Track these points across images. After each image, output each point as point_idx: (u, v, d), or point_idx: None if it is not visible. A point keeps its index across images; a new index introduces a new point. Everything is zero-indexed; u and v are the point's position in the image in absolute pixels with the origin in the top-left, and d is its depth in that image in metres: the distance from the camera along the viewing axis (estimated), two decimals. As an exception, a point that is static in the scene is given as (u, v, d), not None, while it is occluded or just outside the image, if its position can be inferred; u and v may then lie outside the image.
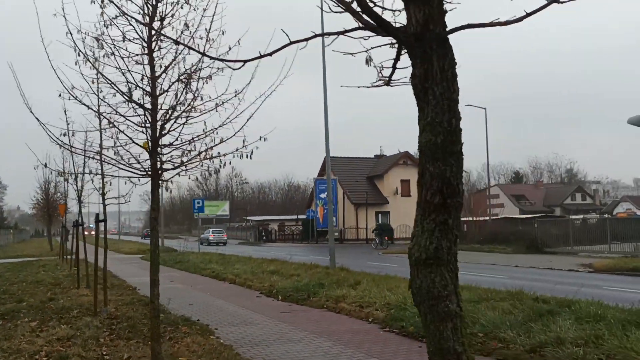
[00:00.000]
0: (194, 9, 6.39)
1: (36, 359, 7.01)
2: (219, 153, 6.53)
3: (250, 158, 6.74)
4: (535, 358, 6.90)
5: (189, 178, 6.83)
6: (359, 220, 51.09)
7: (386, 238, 40.72)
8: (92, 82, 5.68)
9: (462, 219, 49.74)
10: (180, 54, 6.35)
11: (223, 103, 6.36)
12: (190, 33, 6.34)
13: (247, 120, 6.39)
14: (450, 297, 2.29)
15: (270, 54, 3.12)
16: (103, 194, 10.51)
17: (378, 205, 52.16)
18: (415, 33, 2.24)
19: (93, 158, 6.06)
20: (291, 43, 2.78)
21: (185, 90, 6.23)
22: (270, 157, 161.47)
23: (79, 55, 5.85)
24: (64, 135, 5.62)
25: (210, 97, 6.46)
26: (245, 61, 3.39)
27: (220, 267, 20.56)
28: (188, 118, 6.39)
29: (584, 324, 7.96)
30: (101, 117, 5.81)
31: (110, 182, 8.60)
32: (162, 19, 6.23)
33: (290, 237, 58.24)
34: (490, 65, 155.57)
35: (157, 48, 6.29)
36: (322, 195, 50.98)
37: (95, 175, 6.37)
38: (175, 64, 6.36)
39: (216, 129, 6.34)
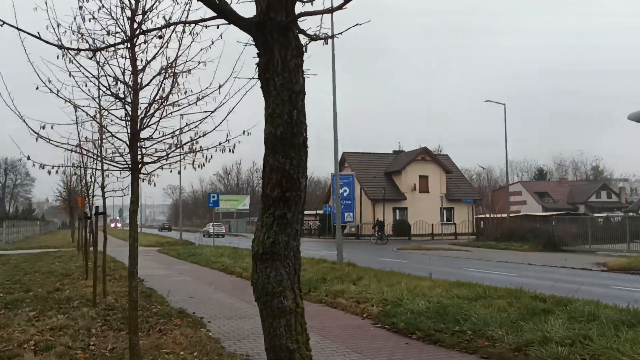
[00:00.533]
0: (177, 2, 6.41)
1: (24, 348, 7.14)
2: (200, 147, 6.55)
3: (232, 152, 6.75)
4: (519, 357, 6.81)
5: (170, 171, 6.85)
6: (377, 216, 50.89)
7: (385, 233, 43.07)
8: (69, 75, 5.73)
9: (479, 216, 49.32)
10: (162, 47, 6.38)
11: (203, 97, 6.37)
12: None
13: (227, 114, 6.38)
14: (285, 293, 2.23)
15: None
16: (103, 187, 10.66)
17: (395, 201, 51.92)
18: (257, 21, 2.19)
19: (73, 151, 6.12)
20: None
21: (163, 85, 6.24)
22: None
23: (60, 49, 5.91)
24: (43, 128, 5.69)
25: (191, 91, 6.49)
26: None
27: (231, 261, 20.68)
28: (168, 112, 6.42)
29: (575, 324, 7.83)
30: (78, 110, 5.86)
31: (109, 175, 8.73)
32: (144, 12, 6.26)
33: (307, 232, 58.28)
34: (516, 60, 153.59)
35: (138, 42, 6.32)
36: (340, 191, 50.89)
37: (77, 167, 6.44)
38: (156, 58, 6.38)
39: (198, 123, 6.35)
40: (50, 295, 11.87)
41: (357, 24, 2.65)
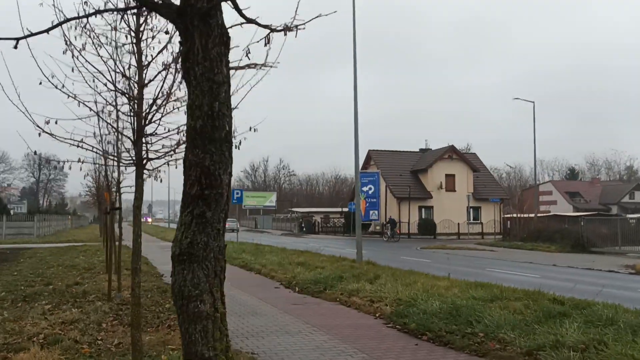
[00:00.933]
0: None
1: (33, 341, 7.21)
2: (206, 143, 6.50)
3: (238, 148, 6.68)
4: (529, 361, 6.62)
5: (176, 167, 6.82)
6: (402, 214, 50.51)
7: (397, 232, 44.00)
8: (72, 70, 5.72)
9: (506, 216, 48.56)
10: (168, 43, 6.35)
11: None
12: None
13: (232, 109, 6.33)
14: (201, 297, 2.09)
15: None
16: (118, 183, 10.73)
17: (421, 199, 51.40)
18: (177, 8, 2.08)
19: (78, 146, 6.13)
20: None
21: (167, 80, 6.21)
22: (319, 149, 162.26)
23: (66, 44, 5.92)
24: (47, 123, 5.71)
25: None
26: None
27: (251, 258, 20.71)
28: (174, 108, 6.39)
29: (591, 328, 7.60)
30: (81, 105, 5.85)
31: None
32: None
33: (332, 229, 58.24)
34: (548, 58, 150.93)
35: (144, 37, 6.31)
36: (365, 189, 50.63)
37: (83, 163, 6.44)
38: (162, 52, 6.36)
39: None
40: (68, 289, 12.02)
41: (320, 15, 2.54)
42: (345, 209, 56.69)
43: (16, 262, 19.67)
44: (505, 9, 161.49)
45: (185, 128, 6.62)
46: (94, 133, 6.01)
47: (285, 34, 2.53)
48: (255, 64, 3.38)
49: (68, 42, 5.84)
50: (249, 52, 3.14)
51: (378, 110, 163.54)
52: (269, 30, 2.41)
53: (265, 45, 2.62)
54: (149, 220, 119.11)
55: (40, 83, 5.64)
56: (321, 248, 26.61)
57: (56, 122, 5.87)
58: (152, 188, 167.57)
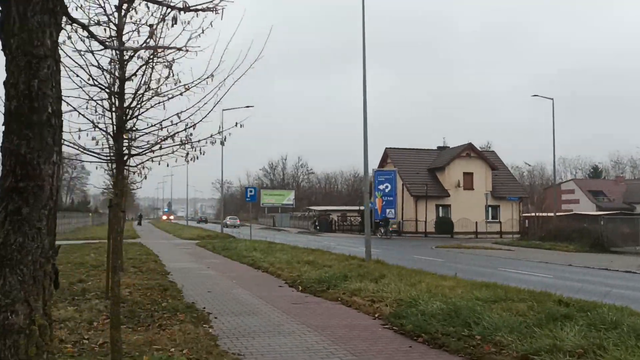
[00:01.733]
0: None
1: (19, 340, 7.13)
2: (188, 139, 6.35)
3: (223, 144, 6.55)
4: (523, 366, 6.34)
5: (159, 164, 6.68)
6: (419, 213, 50.05)
7: (390, 229, 46.73)
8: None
9: (525, 215, 47.81)
10: (149, 38, 6.20)
11: (190, 88, 6.18)
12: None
13: (214, 105, 6.17)
14: (13, 307, 1.83)
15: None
16: (123, 180, 10.63)
17: (438, 198, 50.86)
18: None
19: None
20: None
21: (148, 74, 6.07)
22: (338, 148, 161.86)
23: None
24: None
25: (180, 82, 6.30)
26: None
27: (261, 256, 20.56)
28: (155, 102, 6.26)
29: (593, 332, 7.29)
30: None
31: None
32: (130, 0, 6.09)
33: (349, 227, 57.93)
34: (571, 56, 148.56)
35: (125, 31, 6.17)
36: (381, 187, 50.30)
37: (64, 159, 6.34)
38: (145, 46, 6.21)
39: (190, 115, 6.15)
40: (70, 287, 11.97)
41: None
42: (362, 207, 56.38)
43: (27, 259, 19.81)
44: (529, 12, 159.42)
45: (167, 124, 6.49)
46: (69, 129, 5.85)
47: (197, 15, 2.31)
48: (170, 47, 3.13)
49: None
50: (154, 34, 2.92)
51: (398, 110, 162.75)
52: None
53: (172, 26, 2.43)
54: (171, 218, 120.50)
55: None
56: (334, 246, 26.42)
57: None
58: (172, 186, 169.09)
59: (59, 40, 5.45)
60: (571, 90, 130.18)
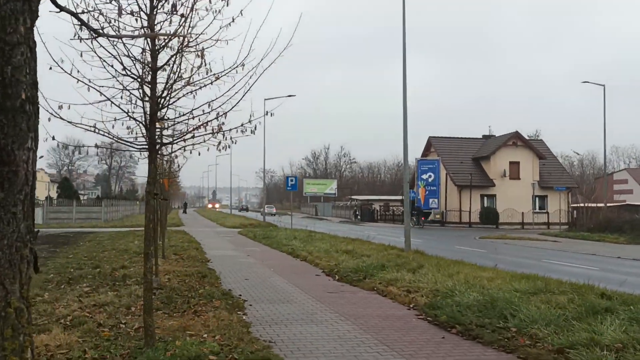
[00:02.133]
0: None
1: (60, 323, 7.38)
2: (220, 128, 6.39)
3: (253, 133, 6.56)
4: (558, 359, 6.16)
5: (191, 152, 6.76)
6: (463, 203, 49.30)
7: (422, 218, 47.08)
8: (81, 55, 5.72)
9: (573, 205, 46.43)
10: (181, 26, 6.26)
11: (220, 77, 6.21)
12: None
13: (244, 94, 6.20)
14: None
15: None
16: (155, 168, 10.83)
17: (483, 187, 49.92)
18: None
19: (93, 131, 6.15)
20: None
21: (180, 63, 6.13)
22: (382, 137, 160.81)
23: (80, 29, 5.92)
24: (60, 108, 5.75)
25: (211, 71, 6.34)
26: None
27: (300, 245, 20.68)
28: (187, 91, 6.33)
29: (634, 326, 7.03)
30: (90, 89, 5.85)
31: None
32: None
33: (391, 217, 57.58)
34: (624, 42, 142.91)
35: (157, 21, 6.24)
36: (424, 176, 49.76)
37: (98, 148, 6.49)
38: (176, 36, 6.27)
39: (221, 104, 6.20)
40: (112, 273, 12.32)
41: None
42: (405, 197, 55.92)
43: (75, 246, 20.49)
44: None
45: (198, 113, 6.54)
46: (103, 118, 5.98)
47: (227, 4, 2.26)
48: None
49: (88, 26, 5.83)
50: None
51: (444, 99, 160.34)
52: None
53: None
54: (216, 206, 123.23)
55: (50, 68, 5.67)
56: (374, 236, 26.36)
57: (69, 107, 5.91)
58: (217, 175, 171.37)
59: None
60: (627, 78, 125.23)
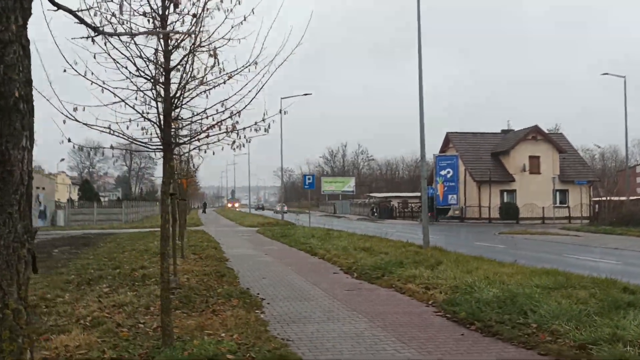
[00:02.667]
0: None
1: (80, 323, 7.45)
2: (234, 127, 6.39)
3: (267, 132, 6.55)
4: (580, 355, 6.06)
5: (205, 152, 6.77)
6: (482, 199, 48.87)
7: (430, 214, 46.39)
8: (94, 57, 5.75)
9: (595, 199, 45.76)
10: (193, 25, 6.27)
11: (233, 76, 6.21)
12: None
13: (257, 93, 6.19)
14: None
15: None
16: (172, 168, 10.90)
17: (503, 183, 49.42)
18: None
19: (109, 133, 6.18)
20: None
21: (193, 63, 6.14)
22: (400, 134, 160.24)
23: (94, 31, 5.95)
24: (75, 110, 5.79)
25: (224, 70, 6.34)
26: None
27: (318, 243, 20.66)
28: (200, 91, 6.34)
29: (660, 321, 6.87)
30: (105, 90, 5.87)
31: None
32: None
33: (410, 214, 57.32)
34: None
35: (170, 22, 6.26)
36: (443, 172, 49.43)
37: (113, 149, 6.52)
38: (190, 36, 6.29)
39: (225, 102, 6.20)
40: (132, 273, 12.41)
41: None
42: (424, 194, 55.63)
43: (96, 247, 20.71)
44: None
45: (212, 112, 6.55)
46: (118, 120, 6.01)
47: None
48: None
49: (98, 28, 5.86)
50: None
51: (463, 95, 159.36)
52: None
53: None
54: (236, 205, 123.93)
55: (65, 71, 5.72)
56: (392, 233, 26.21)
57: (84, 109, 5.95)
58: (235, 175, 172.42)
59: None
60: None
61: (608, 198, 39.48)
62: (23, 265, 1.84)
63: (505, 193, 49.72)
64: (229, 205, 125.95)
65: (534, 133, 50.39)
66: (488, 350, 6.57)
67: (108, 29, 5.93)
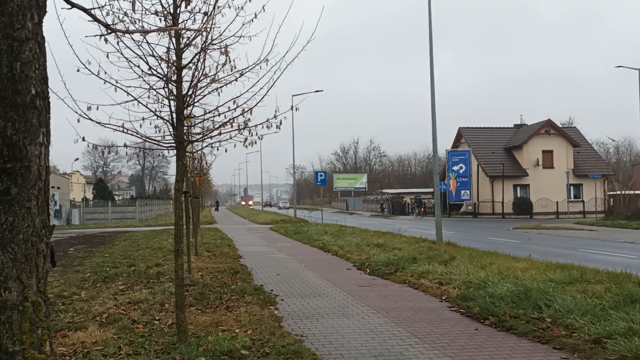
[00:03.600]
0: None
1: (96, 320, 7.53)
2: (245, 124, 6.43)
3: (279, 128, 6.57)
4: (595, 349, 6.03)
5: (218, 149, 6.80)
6: (495, 194, 48.63)
7: (422, 209, 51.90)
8: (107, 56, 5.80)
9: (610, 193, 45.33)
10: (204, 24, 6.30)
11: (244, 74, 6.24)
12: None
13: (268, 90, 6.22)
14: (6, 284, 1.83)
15: None
16: (185, 166, 10.95)
17: (516, 177, 49.13)
18: None
19: (122, 131, 6.24)
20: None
21: (205, 61, 6.17)
22: (412, 130, 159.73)
23: (106, 29, 6.00)
24: (89, 109, 5.85)
25: (235, 68, 6.37)
26: None
27: (331, 239, 20.69)
28: (212, 89, 6.37)
29: (676, 315, 6.81)
30: (118, 89, 5.93)
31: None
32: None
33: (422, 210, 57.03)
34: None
35: (181, 20, 6.30)
36: (455, 168, 49.23)
37: (127, 147, 6.55)
38: (201, 33, 6.32)
39: (237, 99, 6.23)
40: (146, 271, 12.51)
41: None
42: (436, 189, 55.41)
43: (111, 245, 20.89)
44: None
45: (223, 110, 6.58)
46: (131, 118, 6.06)
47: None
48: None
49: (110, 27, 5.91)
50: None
51: (476, 90, 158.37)
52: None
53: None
54: (250, 203, 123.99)
55: (78, 70, 5.77)
56: (405, 229, 26.16)
57: (97, 108, 6.00)
58: (247, 173, 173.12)
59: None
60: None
61: (623, 192, 39.06)
62: (42, 259, 1.88)
63: (518, 188, 49.43)
64: (243, 203, 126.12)
65: (547, 127, 50.03)
66: (502, 344, 6.55)
67: (120, 27, 5.99)
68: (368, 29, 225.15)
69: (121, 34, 6.06)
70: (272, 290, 10.27)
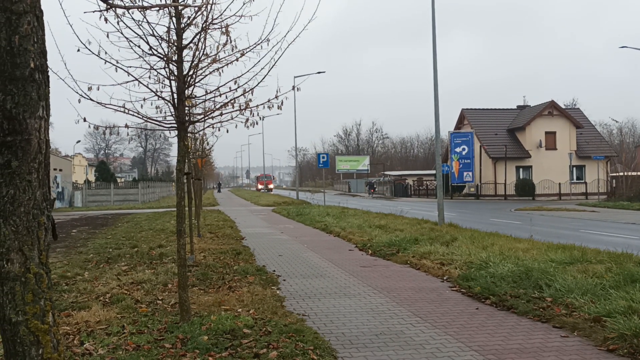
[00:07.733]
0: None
1: (100, 300, 7.60)
2: (247, 104, 6.41)
3: (280, 109, 6.55)
4: (595, 328, 6.07)
5: (219, 130, 6.80)
6: (498, 175, 48.59)
7: (372, 190, 60.81)
8: (107, 36, 5.77)
9: (612, 174, 45.25)
10: (205, 2, 6.26)
11: (245, 53, 6.21)
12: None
13: (269, 69, 6.19)
14: (8, 255, 1.86)
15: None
16: (187, 147, 10.96)
17: (519, 159, 49.05)
18: None
19: (123, 112, 6.23)
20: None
21: (205, 41, 6.14)
22: (415, 113, 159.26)
23: (106, 4, 5.96)
24: (89, 89, 5.84)
25: (236, 47, 6.34)
26: None
27: (333, 221, 20.74)
28: (214, 69, 6.34)
29: (675, 294, 6.84)
30: (118, 70, 5.90)
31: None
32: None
33: (425, 192, 57.17)
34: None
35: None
36: (458, 150, 49.12)
37: (128, 128, 6.54)
38: (202, 12, 6.28)
39: (238, 79, 6.21)
40: (149, 252, 12.58)
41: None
42: (439, 171, 55.39)
43: (114, 227, 20.98)
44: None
45: (224, 90, 6.56)
46: (132, 99, 6.05)
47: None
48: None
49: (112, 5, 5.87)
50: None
51: (479, 72, 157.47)
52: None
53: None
54: (271, 187, 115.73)
55: (78, 50, 5.75)
56: (407, 211, 26.23)
57: (98, 89, 5.99)
58: (249, 155, 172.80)
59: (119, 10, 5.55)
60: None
61: (626, 173, 39.01)
62: (43, 232, 1.89)
63: (521, 169, 49.37)
64: (260, 186, 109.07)
65: (550, 108, 49.79)
66: (503, 323, 6.60)
67: (119, 3, 5.95)
68: (372, 13, 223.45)
69: (121, 12, 6.03)
70: (274, 270, 10.33)
